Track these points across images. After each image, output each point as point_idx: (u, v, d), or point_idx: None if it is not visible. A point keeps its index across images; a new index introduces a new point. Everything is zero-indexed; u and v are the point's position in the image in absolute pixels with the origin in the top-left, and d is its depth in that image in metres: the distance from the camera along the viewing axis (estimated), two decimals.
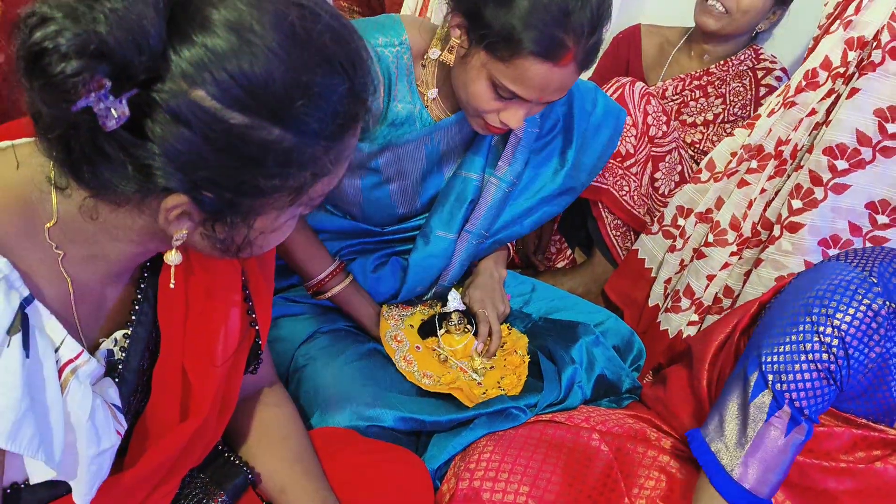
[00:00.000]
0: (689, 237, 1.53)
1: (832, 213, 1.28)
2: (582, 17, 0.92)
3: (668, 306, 1.54)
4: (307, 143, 0.57)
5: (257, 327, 0.86)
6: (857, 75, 1.25)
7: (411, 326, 1.25)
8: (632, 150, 1.72)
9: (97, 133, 0.51)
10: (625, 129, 1.72)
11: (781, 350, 0.95)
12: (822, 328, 0.91)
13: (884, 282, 0.91)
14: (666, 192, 1.81)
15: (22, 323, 0.60)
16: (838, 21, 1.30)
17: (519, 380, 1.19)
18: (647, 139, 1.74)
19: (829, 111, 1.30)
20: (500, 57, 0.96)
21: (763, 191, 1.37)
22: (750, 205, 1.38)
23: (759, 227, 1.38)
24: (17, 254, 0.61)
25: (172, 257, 0.66)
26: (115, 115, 0.49)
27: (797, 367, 0.93)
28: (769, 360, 0.96)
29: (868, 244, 1.28)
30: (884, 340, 0.90)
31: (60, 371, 0.65)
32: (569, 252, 1.96)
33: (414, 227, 1.27)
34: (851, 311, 0.90)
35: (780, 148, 1.35)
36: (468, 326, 1.24)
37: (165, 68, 0.51)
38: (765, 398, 0.96)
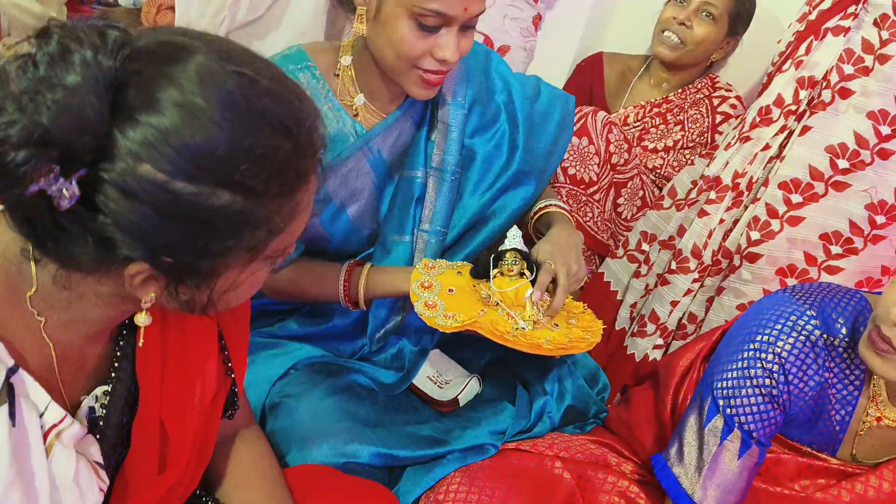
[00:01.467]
0: (653, 263, 1.58)
1: (788, 244, 1.34)
2: None
3: (634, 330, 1.59)
4: (256, 204, 0.59)
5: (233, 376, 0.88)
6: (808, 113, 1.32)
7: (459, 273, 1.14)
8: (594, 178, 1.77)
9: (55, 211, 0.53)
10: (587, 157, 1.77)
11: (729, 376, 1.01)
12: (763, 355, 0.98)
13: (823, 316, 0.97)
14: (629, 217, 1.87)
15: (8, 393, 0.61)
16: (790, 60, 1.37)
17: (570, 342, 1.04)
18: (609, 167, 1.79)
19: (782, 146, 1.36)
20: None
21: (721, 221, 1.43)
22: (710, 234, 1.44)
23: (719, 256, 1.44)
24: (1, 323, 0.63)
25: (142, 319, 0.67)
26: (67, 196, 0.52)
27: (743, 391, 0.99)
28: (719, 385, 1.02)
29: (823, 273, 1.34)
30: (821, 370, 0.96)
31: (45, 435, 0.66)
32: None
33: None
34: (791, 340, 0.97)
35: (736, 180, 1.41)
36: (526, 272, 1.09)
37: (111, 147, 0.53)
38: (717, 423, 1.02)
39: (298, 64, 1.10)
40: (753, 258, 1.36)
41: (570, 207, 1.77)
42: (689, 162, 1.90)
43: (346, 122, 1.13)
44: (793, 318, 0.98)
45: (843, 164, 1.28)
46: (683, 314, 1.49)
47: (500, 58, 1.31)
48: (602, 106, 2.05)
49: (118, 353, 0.77)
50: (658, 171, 1.92)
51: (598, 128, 1.76)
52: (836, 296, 1.01)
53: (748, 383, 0.99)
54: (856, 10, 1.28)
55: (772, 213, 1.34)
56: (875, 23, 1.26)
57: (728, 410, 1.00)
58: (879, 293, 1.04)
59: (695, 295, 1.47)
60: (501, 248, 1.12)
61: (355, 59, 1.12)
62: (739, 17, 1.84)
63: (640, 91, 2.01)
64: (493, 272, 1.10)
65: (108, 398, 0.76)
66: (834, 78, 1.29)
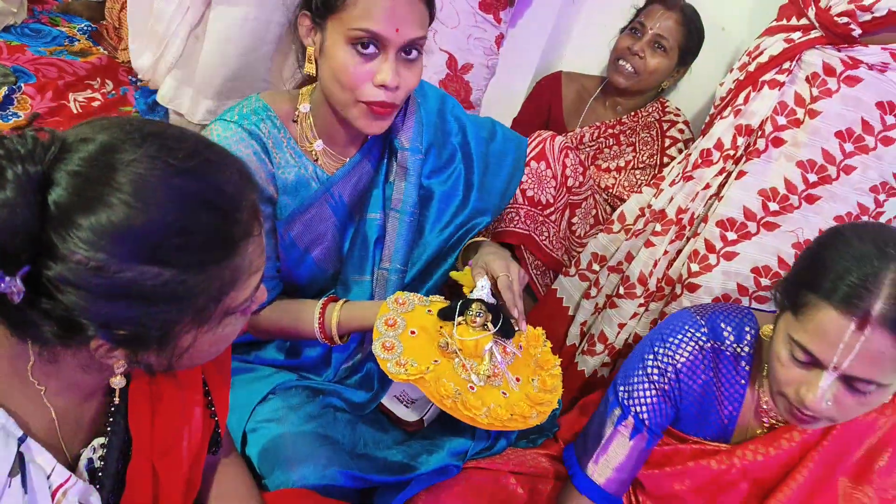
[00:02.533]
0: (602, 286, 1.71)
1: (723, 276, 1.47)
2: None
3: (584, 348, 1.72)
4: (189, 274, 0.65)
5: (216, 419, 0.95)
6: (744, 159, 1.45)
7: (429, 311, 1.15)
8: (551, 200, 1.88)
9: (12, 303, 0.61)
10: (544, 180, 1.87)
11: (632, 373, 1.20)
12: (661, 359, 1.17)
13: (711, 326, 1.17)
14: (582, 234, 1.98)
15: (19, 463, 0.69)
16: (730, 107, 1.49)
17: (511, 417, 1.03)
18: (565, 189, 1.90)
19: (721, 187, 1.49)
20: (343, 6, 1.03)
21: (666, 252, 1.55)
22: (655, 263, 1.56)
23: (662, 284, 1.56)
24: (7, 395, 0.71)
25: (116, 382, 0.75)
26: (16, 291, 0.59)
27: (642, 387, 1.18)
28: (623, 383, 1.21)
29: (754, 302, 1.48)
30: (708, 370, 1.15)
31: (53, 495, 0.74)
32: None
33: None
34: (683, 345, 1.16)
35: (680, 215, 1.54)
36: (489, 325, 1.09)
37: (47, 244, 0.60)
38: (616, 412, 1.20)
39: (259, 115, 1.16)
40: (693, 288, 1.48)
41: (528, 227, 1.88)
42: (639, 182, 2.03)
43: (308, 168, 1.19)
44: (687, 328, 1.17)
45: (773, 206, 1.41)
46: (630, 335, 1.62)
47: (455, 101, 1.38)
48: (559, 124, 2.16)
49: (112, 409, 0.84)
50: (610, 189, 2.04)
51: (555, 153, 1.86)
52: (726, 310, 1.19)
53: (646, 381, 1.18)
54: (790, 66, 1.40)
55: (710, 247, 1.47)
56: (807, 79, 1.38)
57: (627, 402, 1.19)
58: (764, 309, 1.23)
59: (640, 318, 1.60)
60: (469, 296, 1.13)
61: (312, 107, 1.19)
62: (689, 49, 1.96)
63: (596, 112, 2.11)
64: (457, 320, 1.10)
65: (104, 450, 0.84)
66: (768, 128, 1.41)
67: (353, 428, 1.25)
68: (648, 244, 1.59)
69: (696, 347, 1.14)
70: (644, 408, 1.17)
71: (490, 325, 1.10)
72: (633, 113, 2.06)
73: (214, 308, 0.69)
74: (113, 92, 2.47)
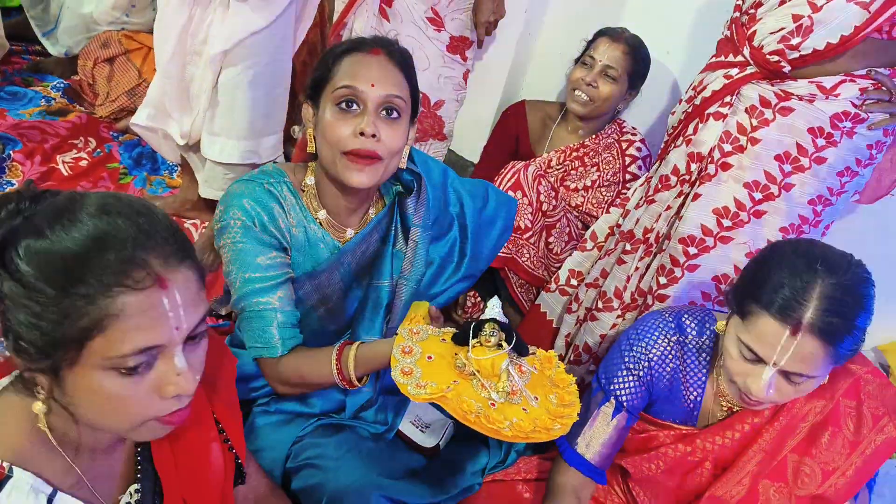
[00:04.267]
0: (582, 301, 1.89)
1: (688, 286, 1.66)
2: (371, 36, 1.25)
3: (571, 358, 1.89)
4: (60, 296, 0.71)
5: (234, 451, 1.03)
6: (698, 182, 1.63)
7: (443, 340, 1.18)
8: (529, 225, 2.06)
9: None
10: (521, 207, 2.05)
11: (612, 364, 1.39)
12: (637, 351, 1.36)
13: (678, 323, 1.37)
14: (559, 252, 2.16)
15: None
16: (682, 137, 1.68)
17: (534, 429, 1.05)
18: (541, 213, 2.08)
19: (680, 207, 1.68)
20: (330, 75, 1.20)
21: (637, 268, 1.74)
22: (628, 279, 1.75)
23: (636, 296, 1.75)
24: (36, 463, 0.79)
25: (38, 408, 0.79)
26: None
27: (621, 374, 1.37)
28: (604, 373, 1.40)
29: (716, 306, 1.67)
30: (675, 360, 1.35)
31: None
32: (482, 304, 2.28)
33: None
34: (654, 340, 1.36)
35: (646, 235, 1.72)
36: (503, 343, 1.11)
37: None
38: (599, 396, 1.38)
39: (276, 178, 1.30)
40: (662, 298, 1.67)
41: (510, 251, 2.05)
42: (606, 199, 2.21)
43: (317, 232, 1.33)
44: (658, 325, 1.38)
45: (727, 223, 1.60)
46: (611, 344, 1.80)
47: (454, 173, 1.53)
48: (527, 149, 2.33)
49: (138, 457, 0.93)
50: (580, 207, 2.22)
51: (529, 181, 2.04)
52: (690, 310, 1.42)
53: (625, 370, 1.36)
54: (731, 99, 1.59)
55: (674, 262, 1.66)
56: (746, 111, 1.57)
57: (609, 387, 1.37)
58: (722, 310, 1.44)
59: (618, 328, 1.78)
60: (482, 317, 1.21)
61: (316, 180, 1.32)
62: (637, 74, 2.15)
63: (560, 137, 2.29)
64: (472, 342, 1.12)
65: (139, 494, 0.92)
66: (717, 154, 1.60)
67: (382, 456, 1.40)
68: (620, 262, 1.77)
69: (665, 341, 1.34)
70: (623, 391, 1.35)
71: (504, 344, 1.12)
72: (594, 136, 2.24)
73: (82, 346, 0.72)
74: (98, 150, 2.56)
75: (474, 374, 1.11)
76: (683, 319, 1.36)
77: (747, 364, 1.17)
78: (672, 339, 1.34)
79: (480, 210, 1.53)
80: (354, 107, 1.19)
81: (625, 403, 1.35)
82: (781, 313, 1.11)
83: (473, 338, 1.13)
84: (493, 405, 1.07)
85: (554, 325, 2.03)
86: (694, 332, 1.36)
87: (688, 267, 1.65)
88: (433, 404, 1.12)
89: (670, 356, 1.34)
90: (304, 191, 1.33)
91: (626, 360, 1.36)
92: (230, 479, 1.03)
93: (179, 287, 0.75)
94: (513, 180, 2.04)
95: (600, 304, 1.81)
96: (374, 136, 1.18)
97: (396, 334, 1.19)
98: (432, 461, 1.43)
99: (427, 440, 1.48)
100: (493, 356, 1.10)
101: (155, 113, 2.04)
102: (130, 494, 0.92)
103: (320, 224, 1.33)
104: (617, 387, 1.36)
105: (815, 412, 1.22)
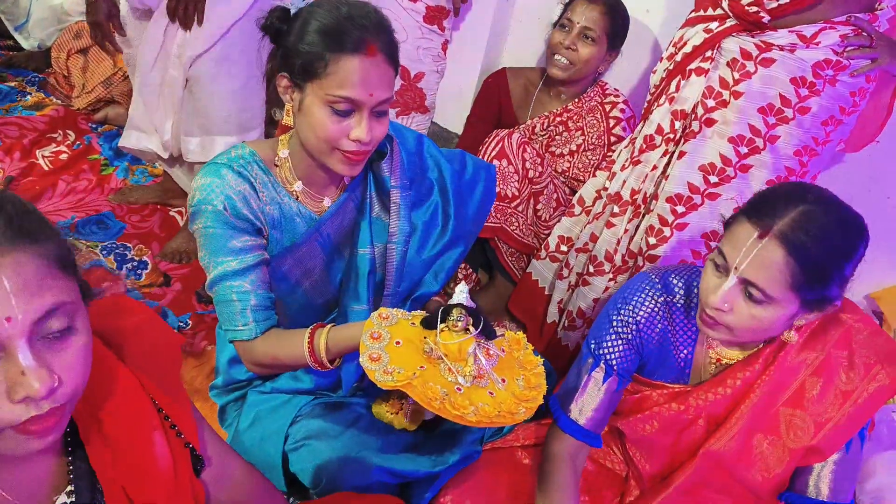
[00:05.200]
0: (572, 267, 1.88)
1: (678, 245, 1.66)
2: (357, 12, 1.15)
3: (565, 325, 1.90)
4: None
5: (182, 435, 0.93)
6: (683, 140, 1.63)
7: (412, 324, 1.19)
8: (516, 193, 2.05)
9: None
10: (508, 176, 2.04)
11: (601, 329, 1.37)
12: (624, 314, 1.33)
13: (664, 283, 1.34)
14: (547, 218, 2.16)
15: None
16: (664, 95, 1.66)
17: (499, 414, 1.09)
18: (527, 181, 2.07)
19: (666, 167, 1.67)
20: (318, 73, 1.14)
21: (626, 230, 1.74)
22: (618, 242, 1.75)
23: (626, 258, 1.75)
24: None
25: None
26: None
27: (610, 339, 1.35)
28: (593, 338, 1.38)
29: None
30: (663, 320, 1.32)
31: None
32: (474, 275, 2.28)
33: None
34: (641, 302, 1.33)
35: (634, 196, 1.72)
36: (470, 328, 1.13)
37: None
38: (589, 361, 1.37)
39: (246, 159, 1.27)
40: (653, 259, 1.67)
41: (499, 220, 2.04)
42: (592, 162, 2.20)
43: (291, 205, 1.31)
44: (645, 287, 1.34)
45: (713, 179, 1.60)
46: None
47: (430, 140, 1.52)
48: (510, 117, 2.31)
49: (70, 457, 0.83)
50: (567, 173, 2.21)
51: (514, 149, 2.02)
52: (678, 269, 1.38)
53: (613, 334, 1.34)
54: (712, 54, 1.58)
55: (663, 222, 1.66)
56: (728, 64, 1.56)
57: (598, 352, 1.36)
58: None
59: (610, 291, 1.78)
60: (449, 302, 1.17)
61: (291, 152, 1.30)
62: (616, 34, 2.12)
63: (543, 102, 2.27)
64: (440, 326, 1.14)
65: (74, 495, 0.82)
66: (700, 111, 1.59)
67: (381, 430, 1.40)
68: (609, 225, 1.77)
69: (652, 303, 1.32)
70: (613, 355, 1.34)
71: (472, 329, 1.14)
72: (576, 99, 2.22)
73: None
74: (78, 143, 2.53)
75: (442, 359, 1.13)
76: (671, 279, 1.35)
77: (715, 277, 1.16)
78: (659, 299, 1.32)
79: (459, 173, 1.52)
80: (347, 109, 1.17)
81: (615, 367, 1.35)
82: (756, 215, 1.10)
83: (441, 322, 1.14)
84: (460, 390, 1.10)
85: (546, 293, 2.03)
86: (682, 291, 1.35)
87: (676, 226, 1.65)
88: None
89: (658, 317, 1.32)
90: (277, 165, 1.32)
91: (615, 323, 1.35)
92: (184, 469, 0.93)
93: (8, 274, 0.66)
94: (497, 148, 2.02)
95: (591, 269, 1.81)
96: (369, 141, 1.20)
97: (368, 319, 1.20)
98: (432, 433, 1.44)
99: (428, 412, 1.48)
100: (459, 340, 1.13)
101: (140, 134, 2.02)
102: (67, 495, 0.82)
103: (296, 197, 1.32)
104: (606, 351, 1.35)
105: (806, 364, 1.22)
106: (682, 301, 1.34)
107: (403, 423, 1.43)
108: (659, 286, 1.34)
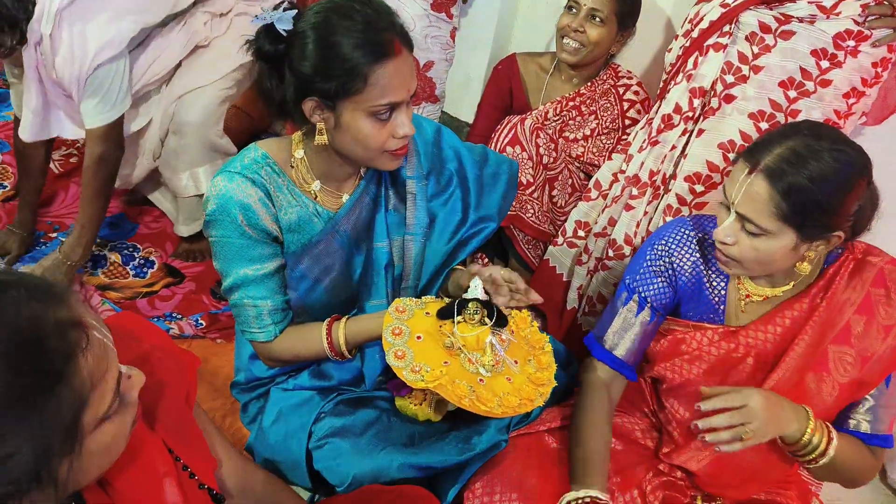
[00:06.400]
0: (591, 252, 1.86)
1: None
2: (372, 13, 1.12)
3: (586, 310, 1.87)
4: (24, 428, 0.63)
5: (196, 477, 0.91)
6: (702, 118, 1.59)
7: (427, 314, 1.26)
8: (531, 179, 2.02)
9: None
10: (522, 162, 2.01)
11: (636, 265, 1.41)
12: (659, 250, 1.38)
13: (698, 222, 1.39)
14: (563, 204, 2.13)
15: None
16: (682, 73, 1.63)
17: (520, 403, 1.18)
18: (541, 167, 2.04)
19: (685, 146, 1.64)
20: (358, 89, 1.11)
21: (645, 213, 1.71)
22: (637, 224, 1.72)
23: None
24: None
25: None
26: None
27: (645, 273, 1.39)
28: (630, 273, 1.43)
29: None
30: (694, 255, 1.36)
31: None
32: (490, 264, 2.25)
33: None
34: (675, 237, 1.38)
35: (653, 178, 1.69)
36: (486, 319, 1.22)
37: None
38: (624, 295, 1.42)
39: (259, 163, 1.26)
40: None
41: (514, 208, 2.02)
42: (606, 147, 2.17)
43: (308, 206, 1.29)
44: (678, 227, 1.39)
45: (732, 156, 1.56)
46: None
47: (450, 131, 1.49)
48: (522, 103, 2.28)
49: None
50: (581, 158, 2.18)
51: (527, 135, 2.00)
52: (709, 215, 1.42)
53: (648, 268, 1.39)
54: (730, 28, 1.54)
55: (681, 201, 1.63)
56: (746, 38, 1.52)
57: (632, 285, 1.40)
58: None
59: None
60: (464, 296, 1.24)
61: (307, 152, 1.28)
62: (625, 13, 2.07)
63: (555, 87, 2.24)
64: (457, 319, 1.23)
65: None
66: (719, 87, 1.56)
67: (405, 425, 1.38)
68: (628, 208, 1.74)
69: (685, 237, 1.37)
70: (646, 289, 1.39)
71: (486, 320, 1.22)
72: (588, 83, 2.18)
73: (76, 432, 0.67)
74: None
75: (461, 350, 1.22)
76: (704, 220, 1.39)
77: (723, 214, 1.21)
78: (691, 234, 1.37)
79: (480, 165, 1.49)
80: (389, 112, 1.17)
81: (649, 301, 1.38)
82: (749, 153, 1.17)
83: (458, 315, 1.23)
84: (482, 381, 1.19)
85: (564, 279, 2.01)
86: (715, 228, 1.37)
87: (695, 205, 1.62)
88: None
89: (691, 252, 1.36)
90: (292, 167, 1.29)
91: (649, 258, 1.39)
92: None
93: (85, 314, 0.70)
94: (510, 135, 1.99)
95: (611, 253, 1.78)
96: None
97: (386, 312, 1.25)
98: (457, 422, 1.42)
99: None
100: (477, 332, 1.22)
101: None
102: None
103: (314, 197, 1.30)
104: (640, 286, 1.39)
105: (850, 303, 1.25)
106: (713, 238, 1.35)
107: (428, 414, 1.42)
108: (691, 225, 1.39)
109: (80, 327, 0.68)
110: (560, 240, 2.00)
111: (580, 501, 1.23)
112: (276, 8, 1.15)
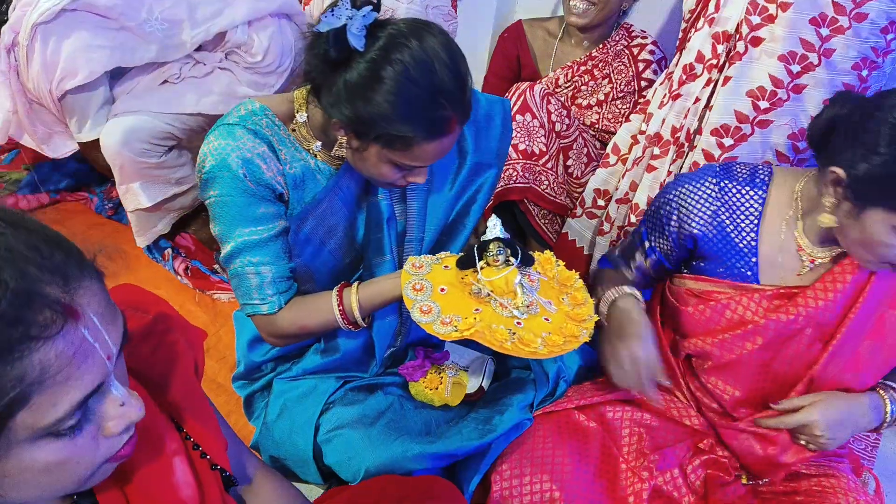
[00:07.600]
0: (613, 220, 1.74)
1: None
2: (449, 84, 1.01)
3: None
4: None
5: (209, 457, 0.84)
6: (727, 65, 1.47)
7: (446, 268, 1.17)
8: (544, 149, 1.90)
9: None
10: (533, 130, 1.89)
11: (650, 209, 1.37)
12: (670, 194, 1.31)
13: (726, 169, 1.27)
14: (579, 175, 2.01)
15: None
16: (703, 18, 1.51)
17: (566, 341, 1.06)
18: (554, 135, 1.92)
19: (710, 97, 1.51)
20: (397, 148, 1.05)
21: (669, 172, 1.58)
22: (661, 186, 1.59)
23: None
24: None
25: None
26: None
27: (657, 219, 1.34)
28: (644, 221, 1.39)
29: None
30: (715, 200, 1.26)
31: None
32: None
33: None
34: (694, 184, 1.28)
35: (676, 135, 1.56)
36: (510, 259, 1.11)
37: None
38: (637, 236, 1.41)
39: (258, 115, 1.15)
40: None
41: (527, 180, 1.90)
42: (622, 112, 2.05)
43: (310, 162, 1.20)
44: (701, 170, 1.30)
45: (763, 104, 1.44)
46: None
47: None
48: (531, 71, 2.16)
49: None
50: (596, 125, 2.06)
51: (537, 102, 1.88)
52: (744, 163, 1.33)
53: (654, 214, 1.35)
54: None
55: (709, 157, 1.50)
56: None
57: (640, 228, 1.39)
58: (786, 165, 1.39)
59: None
60: (484, 238, 1.13)
61: (309, 116, 1.18)
62: None
63: (565, 52, 2.12)
64: (479, 263, 1.11)
65: None
66: (745, 29, 1.43)
67: (420, 411, 1.28)
68: (650, 169, 1.61)
69: (704, 184, 1.27)
70: (652, 234, 1.36)
71: (512, 259, 1.11)
72: (600, 45, 2.06)
73: (3, 427, 0.56)
74: None
75: (490, 295, 1.10)
76: (733, 165, 1.30)
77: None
78: (712, 181, 1.27)
79: (474, 109, 1.38)
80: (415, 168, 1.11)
81: (655, 248, 1.37)
82: None
83: (480, 259, 1.11)
84: (520, 324, 1.08)
85: (585, 252, 1.89)
86: (745, 173, 1.27)
87: (723, 161, 1.50)
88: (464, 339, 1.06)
89: (703, 197, 1.27)
90: (293, 129, 1.20)
91: (662, 203, 1.33)
92: (213, 492, 0.83)
93: (92, 307, 0.59)
94: (520, 102, 1.87)
95: (633, 219, 1.66)
96: None
97: (402, 270, 1.16)
98: (475, 405, 1.31)
99: (470, 385, 1.36)
100: (504, 274, 1.10)
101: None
102: None
103: (314, 154, 1.21)
104: (650, 231, 1.37)
105: None
106: (744, 182, 1.26)
107: (445, 399, 1.32)
108: (717, 170, 1.29)
109: (65, 313, 0.57)
110: (579, 211, 1.88)
111: (615, 294, 1.30)
112: (353, 5, 1.01)
